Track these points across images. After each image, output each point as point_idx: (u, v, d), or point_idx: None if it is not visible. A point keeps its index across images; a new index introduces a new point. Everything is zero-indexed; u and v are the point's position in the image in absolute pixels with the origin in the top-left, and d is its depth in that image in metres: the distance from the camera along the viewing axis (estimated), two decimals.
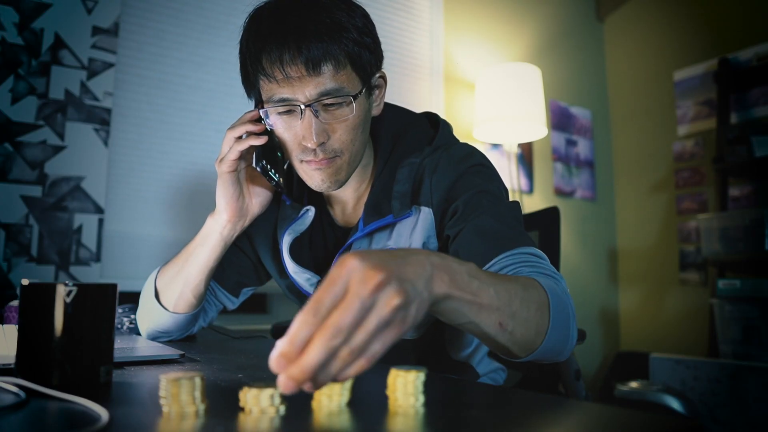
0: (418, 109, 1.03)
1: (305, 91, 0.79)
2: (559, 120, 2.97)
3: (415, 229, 0.86)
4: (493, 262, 0.74)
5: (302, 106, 0.80)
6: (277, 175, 0.86)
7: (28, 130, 1.61)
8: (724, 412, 2.11)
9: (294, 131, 0.83)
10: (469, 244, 0.77)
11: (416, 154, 0.89)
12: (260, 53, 0.79)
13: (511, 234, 0.77)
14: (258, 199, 0.94)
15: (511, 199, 0.87)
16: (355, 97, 0.81)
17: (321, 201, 0.98)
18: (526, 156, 2.77)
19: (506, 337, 0.59)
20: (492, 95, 2.38)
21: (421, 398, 0.46)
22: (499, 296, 0.57)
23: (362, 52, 0.82)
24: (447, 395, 0.56)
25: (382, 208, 0.87)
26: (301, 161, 0.85)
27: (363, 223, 0.87)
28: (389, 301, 0.43)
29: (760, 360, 2.15)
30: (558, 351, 0.67)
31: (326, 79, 0.79)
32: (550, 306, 0.64)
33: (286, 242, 0.94)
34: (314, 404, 0.47)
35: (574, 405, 0.52)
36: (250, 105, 0.91)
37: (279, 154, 0.87)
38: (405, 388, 0.46)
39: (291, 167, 0.91)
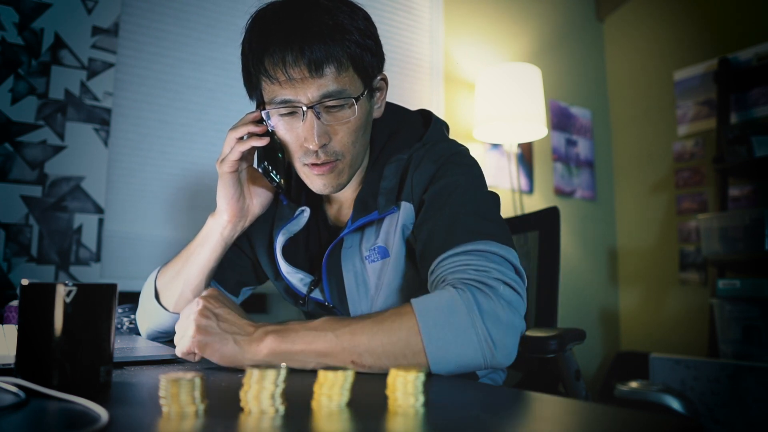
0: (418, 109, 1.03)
1: (307, 92, 0.79)
2: (559, 120, 2.97)
3: (397, 224, 0.86)
4: (429, 272, 0.77)
5: (304, 108, 0.80)
6: (278, 176, 0.87)
7: (28, 130, 1.61)
8: (724, 412, 2.11)
9: (296, 133, 0.83)
10: (418, 253, 0.82)
11: (405, 151, 0.89)
12: (263, 55, 0.79)
13: (454, 232, 0.76)
14: (259, 199, 0.94)
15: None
16: (357, 99, 0.81)
17: (319, 200, 0.99)
18: (526, 156, 2.77)
19: (367, 369, 0.66)
20: (492, 95, 2.38)
21: (421, 398, 0.46)
22: (340, 339, 0.65)
23: (364, 55, 0.82)
24: (447, 395, 0.56)
25: (369, 205, 0.87)
26: (303, 164, 0.85)
27: (351, 219, 0.88)
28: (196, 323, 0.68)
29: (760, 360, 2.15)
30: (468, 363, 0.65)
31: (328, 81, 0.79)
32: (420, 327, 0.64)
33: (279, 242, 0.94)
34: (314, 404, 0.47)
35: (574, 405, 0.52)
36: (251, 105, 0.91)
37: (280, 155, 0.87)
38: (405, 388, 0.46)
39: (290, 167, 0.92)
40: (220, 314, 0.68)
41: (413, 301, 0.68)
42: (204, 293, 0.72)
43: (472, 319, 0.65)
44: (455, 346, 0.65)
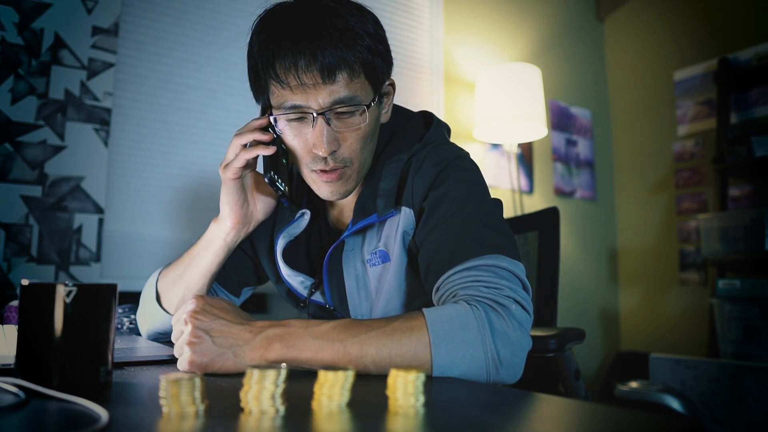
0: (418, 109, 1.03)
1: (318, 98, 0.78)
2: (559, 120, 2.97)
3: (398, 229, 0.85)
4: (436, 286, 0.76)
5: (314, 114, 0.79)
6: (283, 185, 0.86)
7: (28, 130, 1.61)
8: (724, 412, 2.11)
9: (304, 138, 0.82)
10: (423, 266, 0.80)
11: (405, 151, 0.88)
12: (274, 58, 0.78)
13: (463, 245, 0.75)
14: (262, 205, 0.93)
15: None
16: (368, 106, 0.81)
17: (320, 203, 0.98)
18: (526, 156, 2.77)
19: (365, 373, 0.65)
20: (492, 95, 2.38)
21: (421, 398, 0.46)
22: (348, 350, 0.64)
23: (375, 60, 0.81)
24: (447, 395, 0.56)
25: (369, 208, 0.86)
26: (311, 170, 0.84)
27: (352, 222, 0.87)
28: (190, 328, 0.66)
29: (760, 360, 2.15)
30: (471, 377, 0.65)
31: (340, 87, 0.78)
32: (431, 340, 0.64)
33: (280, 245, 0.93)
34: (314, 404, 0.47)
35: (574, 405, 0.52)
36: (252, 105, 0.90)
37: (284, 160, 0.86)
38: (405, 388, 0.46)
39: (292, 169, 0.91)
40: (212, 329, 0.66)
41: (426, 312, 0.67)
42: (189, 307, 0.68)
43: (482, 336, 0.65)
44: (462, 360, 0.64)
